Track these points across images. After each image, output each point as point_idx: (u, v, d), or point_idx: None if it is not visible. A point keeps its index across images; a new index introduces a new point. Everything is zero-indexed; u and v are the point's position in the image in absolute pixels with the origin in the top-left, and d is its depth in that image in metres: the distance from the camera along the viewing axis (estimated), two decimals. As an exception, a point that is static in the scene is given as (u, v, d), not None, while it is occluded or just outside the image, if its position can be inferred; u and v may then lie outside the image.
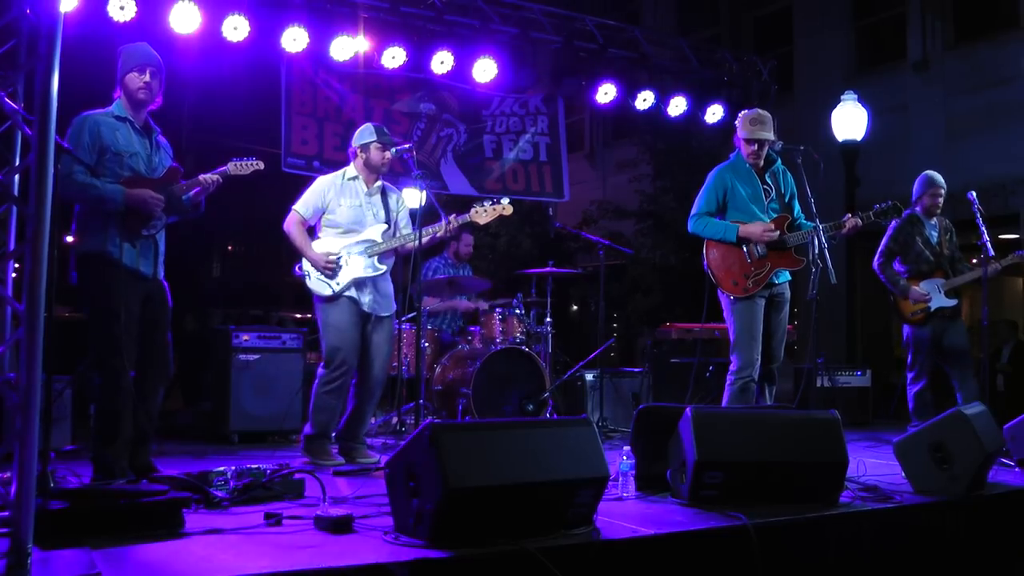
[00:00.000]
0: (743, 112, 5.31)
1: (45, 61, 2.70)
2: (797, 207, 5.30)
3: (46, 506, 2.90)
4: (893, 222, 6.22)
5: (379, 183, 5.23)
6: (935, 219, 6.27)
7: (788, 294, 5.24)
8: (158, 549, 2.85)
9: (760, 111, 5.27)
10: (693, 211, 5.25)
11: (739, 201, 5.15)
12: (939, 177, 6.26)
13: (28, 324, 2.61)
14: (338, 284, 5.00)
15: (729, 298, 5.11)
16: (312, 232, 5.16)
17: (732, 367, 5.08)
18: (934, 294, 6.13)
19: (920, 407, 6.11)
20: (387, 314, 5.16)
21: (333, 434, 5.09)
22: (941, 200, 6.23)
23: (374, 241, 5.10)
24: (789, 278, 5.22)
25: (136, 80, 4.14)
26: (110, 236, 4.02)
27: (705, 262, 5.24)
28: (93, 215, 4.05)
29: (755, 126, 5.13)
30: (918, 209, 6.27)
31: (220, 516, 3.34)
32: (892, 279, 6.28)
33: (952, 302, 6.12)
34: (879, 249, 6.39)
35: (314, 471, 3.95)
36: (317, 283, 5.03)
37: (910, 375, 6.25)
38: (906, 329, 6.30)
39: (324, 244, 5.09)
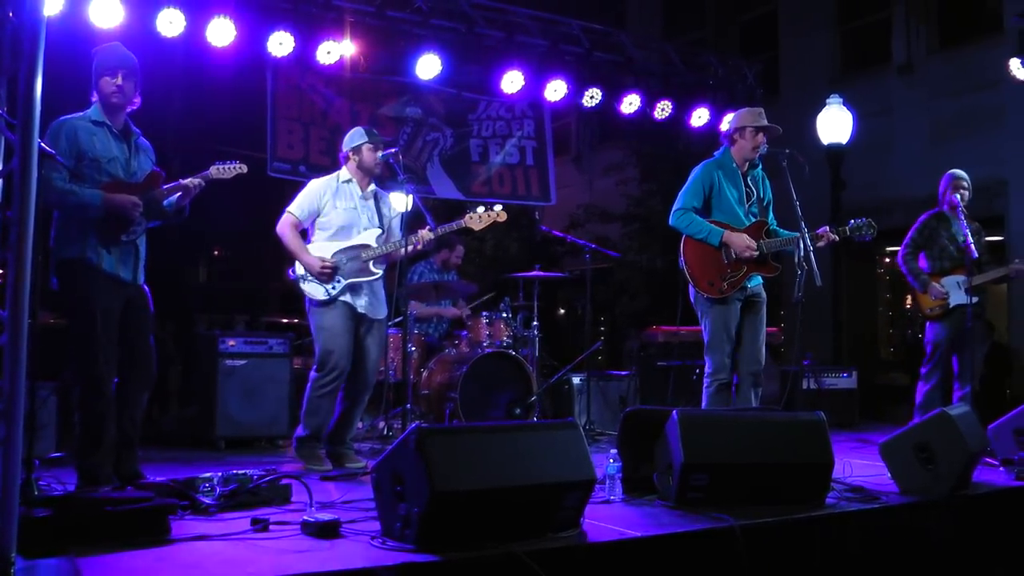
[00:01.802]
0: (740, 109, 5.34)
1: (28, 65, 2.69)
2: (771, 215, 5.30)
3: (30, 514, 2.88)
4: (921, 216, 6.28)
5: (372, 187, 5.23)
6: (964, 220, 6.12)
7: (764, 295, 5.21)
8: (144, 556, 2.84)
9: (756, 107, 5.36)
10: (677, 205, 5.15)
11: (724, 202, 5.12)
12: (961, 171, 6.24)
13: (12, 330, 2.60)
14: (334, 289, 4.98)
15: (704, 298, 5.09)
16: (304, 235, 5.14)
17: (707, 369, 5.08)
18: (953, 291, 6.07)
19: (926, 405, 6.01)
20: (380, 317, 5.16)
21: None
22: (967, 192, 6.16)
23: (369, 246, 5.09)
24: (761, 281, 5.21)
25: (108, 84, 4.08)
26: (89, 242, 3.99)
27: (682, 258, 5.15)
28: (72, 221, 4.01)
29: (761, 116, 5.16)
30: (945, 207, 6.24)
31: (207, 522, 3.33)
32: (914, 272, 6.25)
33: (972, 300, 6.02)
34: (904, 241, 6.35)
35: (301, 476, 3.94)
36: (312, 287, 5.00)
37: (924, 370, 6.21)
38: (927, 325, 6.29)
39: (318, 248, 5.06)
